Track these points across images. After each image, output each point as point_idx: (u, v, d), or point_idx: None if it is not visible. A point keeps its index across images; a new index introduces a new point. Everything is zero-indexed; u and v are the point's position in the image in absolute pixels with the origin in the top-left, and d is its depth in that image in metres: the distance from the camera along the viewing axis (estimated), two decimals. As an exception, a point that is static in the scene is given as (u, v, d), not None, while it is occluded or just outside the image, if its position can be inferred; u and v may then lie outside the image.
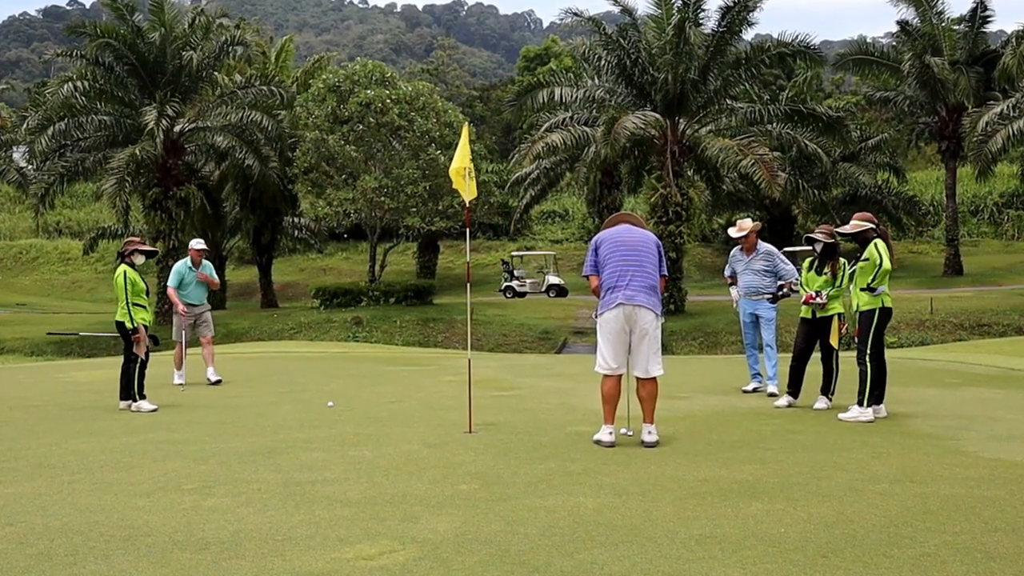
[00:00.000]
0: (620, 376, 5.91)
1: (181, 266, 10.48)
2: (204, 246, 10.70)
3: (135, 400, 8.19)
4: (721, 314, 24.98)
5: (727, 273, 9.38)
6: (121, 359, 8.45)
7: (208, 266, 10.72)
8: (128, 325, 8.18)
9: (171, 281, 10.39)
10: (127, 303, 8.14)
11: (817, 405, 7.69)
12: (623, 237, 6.00)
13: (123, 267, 8.28)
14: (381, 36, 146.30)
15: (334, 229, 34.40)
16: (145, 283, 8.39)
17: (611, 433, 5.86)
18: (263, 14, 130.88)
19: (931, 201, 41.84)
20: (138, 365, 8.20)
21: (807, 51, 25.48)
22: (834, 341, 7.67)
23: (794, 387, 7.89)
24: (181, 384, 10.21)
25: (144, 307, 8.29)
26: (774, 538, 3.70)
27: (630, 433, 6.18)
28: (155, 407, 8.14)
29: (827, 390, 7.78)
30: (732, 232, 8.95)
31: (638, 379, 5.92)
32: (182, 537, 3.81)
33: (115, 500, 4.51)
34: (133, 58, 27.48)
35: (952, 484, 4.66)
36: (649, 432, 5.88)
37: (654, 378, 5.90)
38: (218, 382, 10.31)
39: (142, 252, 8.42)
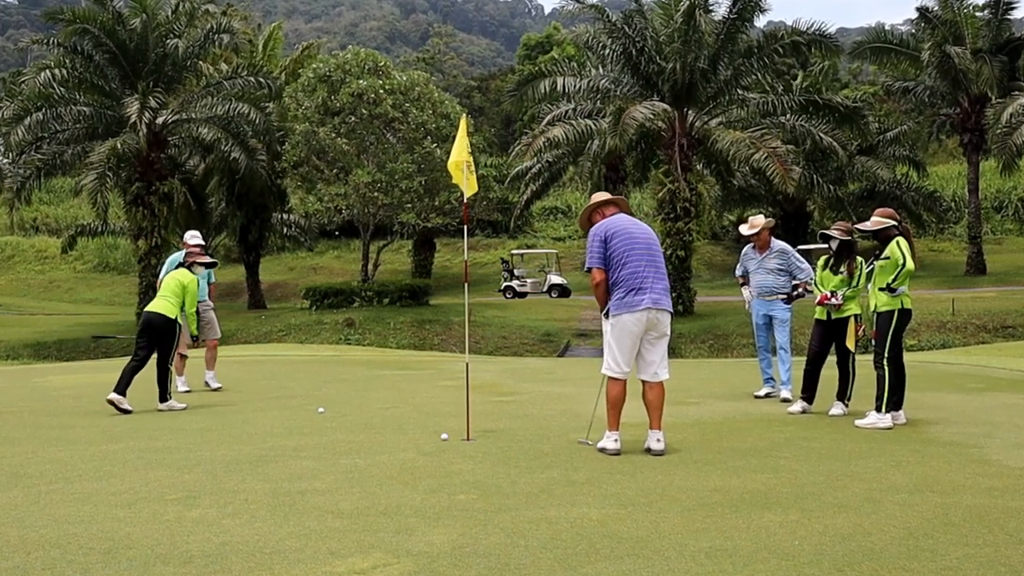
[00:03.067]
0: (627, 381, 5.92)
1: (176, 258, 10.29)
2: (200, 240, 10.41)
3: (167, 400, 8.67)
4: (732, 315, 24.99)
5: (738, 273, 9.35)
6: (122, 360, 9.02)
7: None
8: (193, 330, 8.91)
9: (163, 270, 10.29)
10: (191, 306, 8.75)
11: (833, 411, 7.70)
12: (634, 232, 5.95)
13: (191, 274, 8.89)
14: (374, 23, 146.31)
15: (325, 226, 34.46)
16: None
17: (617, 440, 5.87)
18: (251, 0, 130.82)
19: (952, 197, 41.86)
20: (164, 368, 8.69)
21: (822, 39, 25.48)
22: (851, 344, 7.66)
23: (808, 392, 7.91)
24: (187, 390, 10.14)
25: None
26: (787, 551, 3.70)
27: (588, 443, 6.19)
28: (185, 405, 8.73)
29: (843, 395, 7.78)
30: (744, 229, 8.94)
31: (646, 383, 5.93)
32: (165, 550, 3.81)
33: (95, 511, 4.51)
34: (113, 46, 27.46)
35: (975, 494, 4.66)
36: (657, 439, 5.89)
37: (662, 382, 5.91)
38: (218, 389, 10.27)
39: (202, 264, 9.16)
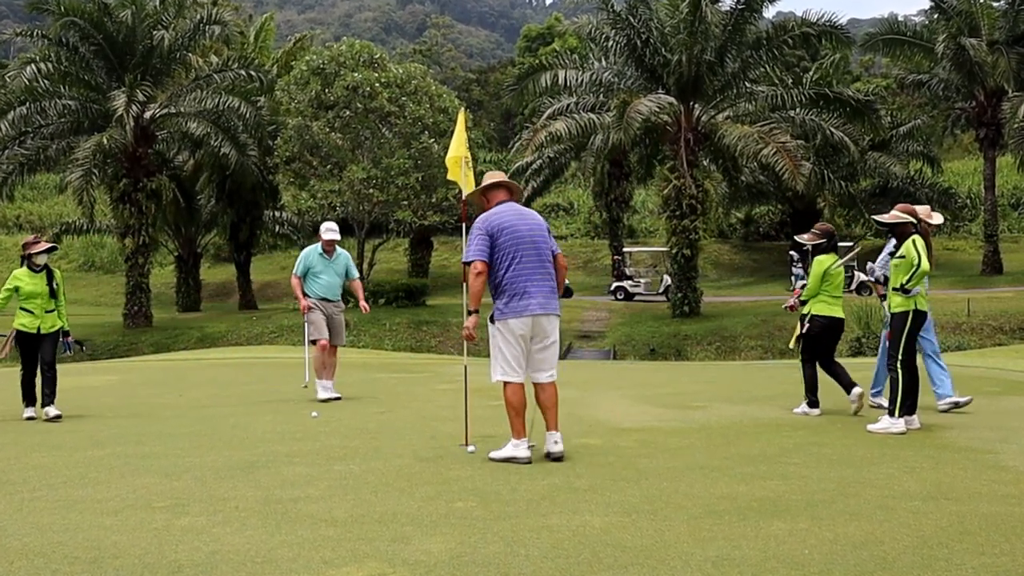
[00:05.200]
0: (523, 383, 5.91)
1: (311, 252, 9.47)
2: (337, 235, 9.49)
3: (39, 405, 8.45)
4: (739, 316, 25.00)
5: (878, 273, 8.08)
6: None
7: (345, 256, 9.63)
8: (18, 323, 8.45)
9: (296, 269, 9.58)
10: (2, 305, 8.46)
11: (796, 410, 7.98)
12: (520, 228, 5.80)
13: (17, 271, 8.55)
14: (370, 14, 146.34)
15: (318, 224, 34.46)
16: (53, 286, 8.53)
17: (527, 448, 5.81)
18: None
19: (968, 193, 41.85)
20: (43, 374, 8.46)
21: (833, 30, 25.51)
22: (791, 343, 8.02)
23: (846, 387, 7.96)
24: (328, 399, 9.18)
25: (30, 312, 8.43)
26: (798, 560, 3.70)
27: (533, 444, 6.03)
28: (59, 413, 8.34)
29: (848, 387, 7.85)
30: (935, 219, 7.78)
31: (538, 385, 5.87)
32: (153, 559, 3.81)
33: (80, 519, 4.51)
34: (100, 38, 27.50)
35: (991, 501, 4.65)
36: (555, 441, 5.82)
37: (554, 382, 5.89)
38: (334, 399, 9.20)
39: (40, 252, 8.49)
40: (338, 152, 28.62)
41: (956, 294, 26.81)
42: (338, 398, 9.30)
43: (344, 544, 3.98)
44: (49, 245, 8.61)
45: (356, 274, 9.73)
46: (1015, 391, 9.74)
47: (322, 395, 9.24)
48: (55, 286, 8.56)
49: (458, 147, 7.08)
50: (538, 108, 33.26)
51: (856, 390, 7.75)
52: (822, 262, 7.90)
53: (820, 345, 8.00)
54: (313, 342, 9.37)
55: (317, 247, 9.52)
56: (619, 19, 25.54)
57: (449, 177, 7.29)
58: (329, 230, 9.47)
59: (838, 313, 7.96)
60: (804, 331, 7.97)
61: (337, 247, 9.58)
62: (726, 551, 3.82)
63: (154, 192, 28.00)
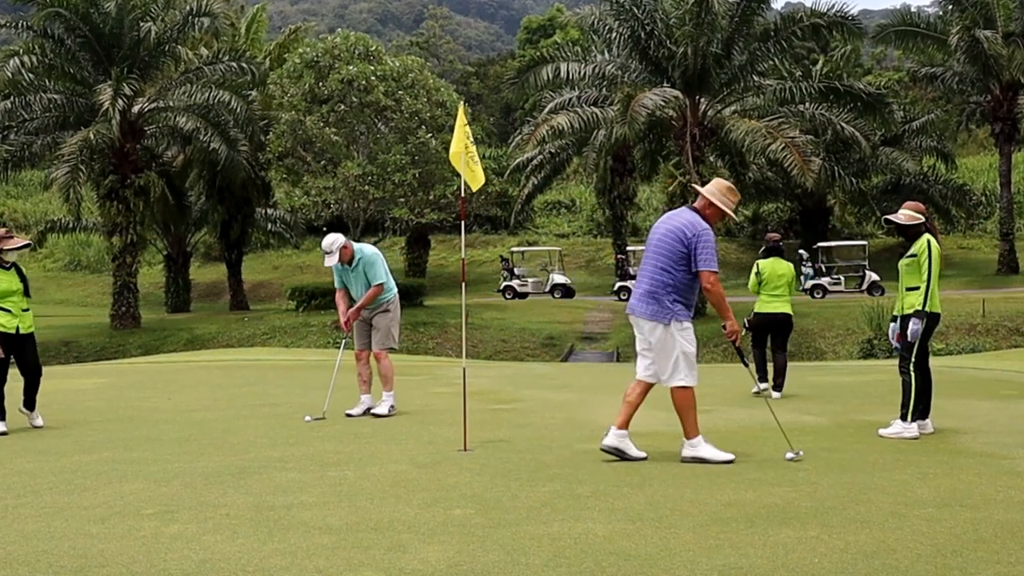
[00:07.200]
0: (642, 384, 6.08)
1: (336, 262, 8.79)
2: (333, 257, 8.43)
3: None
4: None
5: None
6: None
7: (364, 261, 8.56)
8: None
9: (335, 282, 8.99)
10: None
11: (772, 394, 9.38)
12: (652, 234, 6.17)
13: None
14: (365, 4, 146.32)
15: (312, 222, 34.48)
16: (24, 283, 8.15)
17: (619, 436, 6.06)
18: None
19: (983, 190, 41.84)
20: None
21: (844, 22, 25.48)
22: (742, 333, 9.36)
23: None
24: (351, 415, 8.56)
25: (7, 311, 8.02)
26: (807, 569, 3.70)
27: (799, 455, 5.99)
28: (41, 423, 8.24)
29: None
30: None
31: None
32: (141, 568, 3.81)
33: (66, 526, 4.51)
34: (86, 29, 27.49)
35: (1007, 508, 4.66)
36: (681, 444, 6.10)
37: (672, 387, 6.07)
38: (385, 414, 8.53)
39: (11, 250, 8.06)
40: (332, 148, 28.60)
41: (971, 294, 26.81)
42: (387, 413, 8.56)
43: (339, 552, 3.99)
44: (24, 242, 8.22)
45: (375, 280, 8.57)
46: (1032, 394, 9.73)
47: (354, 410, 8.68)
48: (27, 283, 8.21)
49: (457, 142, 7.10)
50: (539, 102, 33.26)
51: (761, 385, 9.59)
52: (756, 265, 9.92)
53: (760, 336, 10.02)
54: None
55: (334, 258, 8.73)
56: (622, 10, 25.52)
57: (463, 176, 7.26)
58: (326, 254, 8.53)
59: (774, 309, 9.84)
60: (747, 325, 9.83)
61: (359, 248, 8.72)
62: (733, 560, 3.83)
63: (142, 189, 27.98)
